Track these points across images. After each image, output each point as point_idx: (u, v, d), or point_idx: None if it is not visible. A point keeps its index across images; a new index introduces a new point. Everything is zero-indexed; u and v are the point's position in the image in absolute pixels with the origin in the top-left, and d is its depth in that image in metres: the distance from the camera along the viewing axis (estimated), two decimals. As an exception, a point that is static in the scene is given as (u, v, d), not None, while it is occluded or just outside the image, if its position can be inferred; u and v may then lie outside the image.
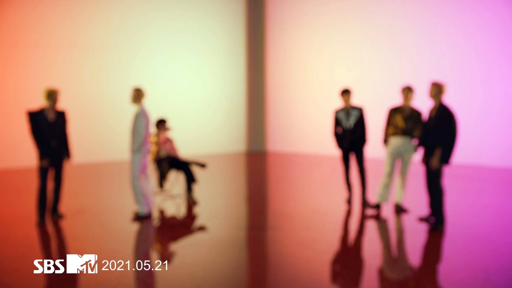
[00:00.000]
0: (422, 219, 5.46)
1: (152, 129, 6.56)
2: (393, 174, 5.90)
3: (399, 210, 5.93)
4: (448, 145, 5.03)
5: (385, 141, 5.94)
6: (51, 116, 5.48)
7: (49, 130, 5.43)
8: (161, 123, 6.91)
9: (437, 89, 5.15)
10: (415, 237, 4.97)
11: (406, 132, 5.74)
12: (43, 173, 5.45)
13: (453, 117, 5.01)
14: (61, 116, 5.59)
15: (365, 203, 6.30)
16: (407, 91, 5.77)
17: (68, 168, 9.72)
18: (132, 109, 10.77)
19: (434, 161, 5.06)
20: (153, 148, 6.91)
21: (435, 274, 3.94)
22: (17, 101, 10.41)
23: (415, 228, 5.24)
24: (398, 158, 5.89)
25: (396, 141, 5.80)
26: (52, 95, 5.48)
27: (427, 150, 5.21)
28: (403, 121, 5.74)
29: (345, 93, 6.21)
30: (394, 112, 5.87)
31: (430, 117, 5.22)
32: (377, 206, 5.95)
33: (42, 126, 5.40)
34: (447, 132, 5.01)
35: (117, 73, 12.02)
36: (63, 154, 5.62)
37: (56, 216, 5.73)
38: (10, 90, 10.59)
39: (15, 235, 5.11)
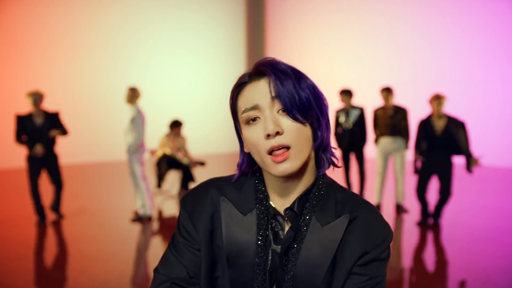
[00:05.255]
0: (420, 224, 5.37)
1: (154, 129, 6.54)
2: (385, 173, 6.00)
3: (400, 210, 5.94)
4: (467, 154, 5.02)
5: (376, 140, 6.02)
6: (38, 121, 5.37)
7: (35, 135, 5.35)
8: (175, 125, 6.89)
9: (437, 101, 5.09)
10: (415, 237, 4.97)
11: (393, 132, 5.80)
12: (32, 175, 5.36)
13: (465, 127, 5.00)
14: (50, 119, 5.43)
15: None
16: (386, 92, 5.80)
17: (69, 168, 9.73)
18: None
19: (474, 162, 5.00)
20: (164, 149, 6.91)
21: (436, 274, 3.93)
22: (17, 101, 10.40)
23: (415, 228, 5.24)
24: (390, 157, 5.98)
25: (385, 141, 5.88)
26: (33, 98, 5.28)
27: (443, 156, 5.14)
28: (389, 120, 5.79)
29: (343, 93, 6.15)
30: (378, 113, 5.93)
31: (434, 130, 5.13)
32: (377, 207, 5.98)
33: (28, 131, 5.31)
34: (463, 142, 4.99)
35: (117, 73, 12.02)
36: (52, 156, 5.50)
37: (58, 215, 5.73)
38: (10, 90, 10.59)
39: (15, 235, 5.11)
